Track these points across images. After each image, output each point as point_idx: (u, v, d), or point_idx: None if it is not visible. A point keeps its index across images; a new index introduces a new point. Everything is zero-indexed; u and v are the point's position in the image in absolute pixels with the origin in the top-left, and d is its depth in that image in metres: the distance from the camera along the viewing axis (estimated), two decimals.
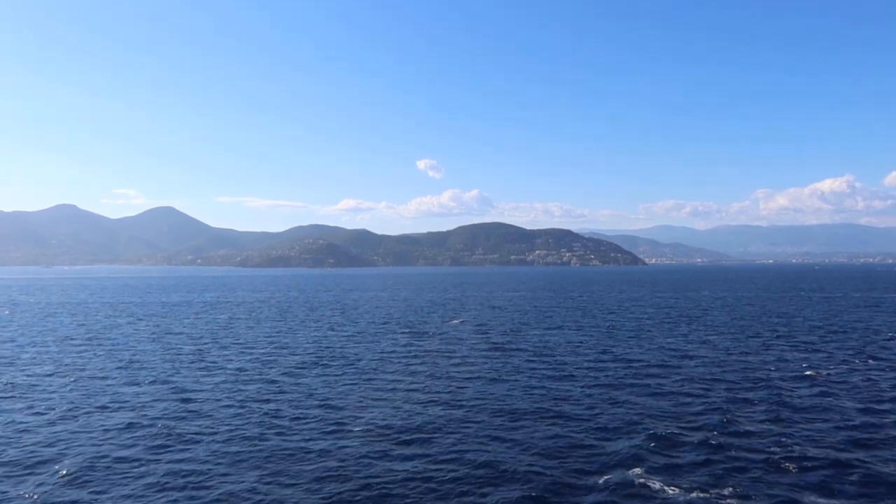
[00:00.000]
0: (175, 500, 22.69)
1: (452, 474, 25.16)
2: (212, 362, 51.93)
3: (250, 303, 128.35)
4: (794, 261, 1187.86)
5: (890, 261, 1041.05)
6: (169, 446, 28.67)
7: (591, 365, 49.57)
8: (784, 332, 70.89)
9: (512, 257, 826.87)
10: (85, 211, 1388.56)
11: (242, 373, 46.94)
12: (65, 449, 28.31)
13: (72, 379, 44.45)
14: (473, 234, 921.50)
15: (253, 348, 59.89)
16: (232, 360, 53.09)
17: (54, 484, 24.15)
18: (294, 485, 24.13)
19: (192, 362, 51.91)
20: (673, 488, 23.56)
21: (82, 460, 26.65)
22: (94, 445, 28.84)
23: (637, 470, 25.34)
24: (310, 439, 29.79)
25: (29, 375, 46.04)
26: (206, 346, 61.81)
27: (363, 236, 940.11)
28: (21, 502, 22.59)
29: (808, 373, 45.53)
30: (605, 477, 24.75)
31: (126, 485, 24.10)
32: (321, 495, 23.18)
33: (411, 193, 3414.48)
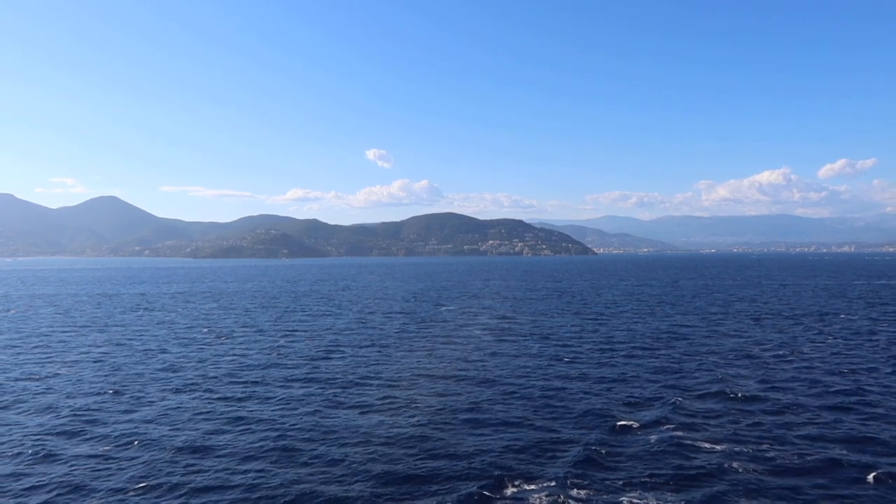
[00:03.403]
0: (266, 468, 25.61)
1: (512, 436, 28.76)
2: (234, 348, 54.27)
3: (235, 292, 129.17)
4: (734, 250, 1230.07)
5: (823, 250, 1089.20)
6: (242, 419, 31.36)
7: (592, 346, 53.78)
8: (753, 313, 76.77)
9: (465, 247, 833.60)
10: (23, 200, 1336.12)
11: (267, 356, 49.58)
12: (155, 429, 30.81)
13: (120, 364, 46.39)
14: (427, 224, 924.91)
15: (264, 333, 62.28)
16: (253, 344, 55.56)
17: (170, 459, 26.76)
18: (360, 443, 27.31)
19: (212, 346, 54.17)
20: (704, 443, 27.70)
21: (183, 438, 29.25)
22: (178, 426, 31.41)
23: (667, 427, 29.42)
24: (362, 414, 32.96)
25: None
26: (225, 332, 63.90)
27: (315, 226, 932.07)
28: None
29: (785, 350, 50.84)
30: (638, 437, 28.74)
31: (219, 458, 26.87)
32: (395, 457, 26.40)
33: (360, 183, 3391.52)
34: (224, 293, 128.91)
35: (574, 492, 22.15)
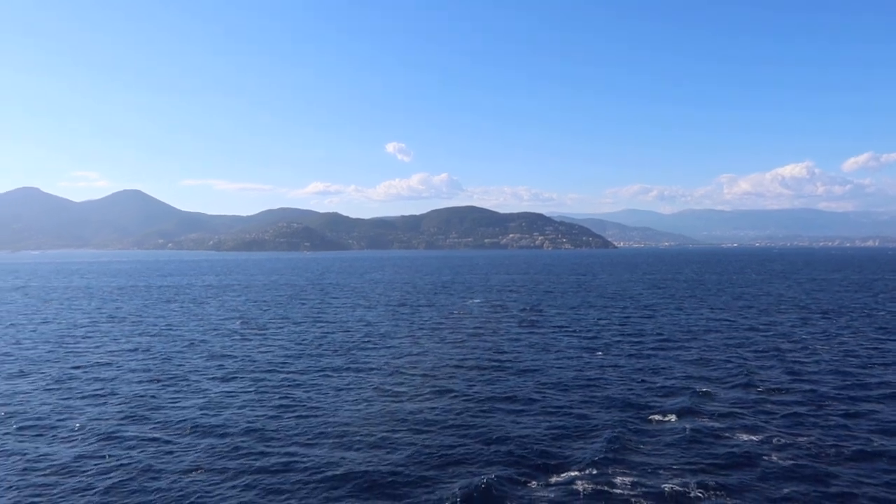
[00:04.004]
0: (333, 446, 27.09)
1: (551, 424, 30.03)
2: (282, 335, 56.07)
3: (263, 285, 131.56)
4: (756, 244, 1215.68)
5: (847, 244, 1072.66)
6: (291, 407, 32.91)
7: (621, 338, 54.83)
8: (780, 307, 77.13)
9: (486, 241, 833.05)
10: (48, 194, 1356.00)
11: (307, 346, 51.29)
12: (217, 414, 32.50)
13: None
14: (447, 217, 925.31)
15: (298, 324, 64.08)
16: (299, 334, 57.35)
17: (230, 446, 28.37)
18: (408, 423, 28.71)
19: (249, 338, 55.99)
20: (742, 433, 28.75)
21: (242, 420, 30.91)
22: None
23: (699, 416, 30.50)
24: (411, 398, 34.42)
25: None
26: (259, 323, 65.81)
27: (336, 220, 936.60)
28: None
29: (814, 343, 51.51)
30: (666, 424, 29.84)
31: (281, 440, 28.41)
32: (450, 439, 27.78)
33: (380, 177, 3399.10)
34: (252, 286, 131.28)
35: (615, 477, 23.22)
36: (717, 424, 29.35)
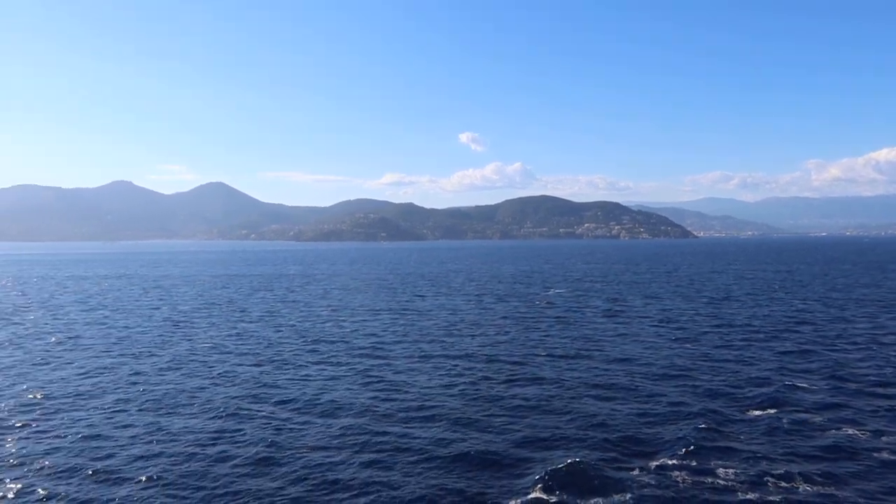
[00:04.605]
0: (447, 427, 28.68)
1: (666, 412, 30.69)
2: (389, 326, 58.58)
3: (345, 274, 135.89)
4: (847, 233, 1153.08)
5: None
6: (389, 389, 34.81)
7: (708, 329, 54.28)
8: (879, 299, 74.22)
9: (561, 230, 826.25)
10: (140, 187, 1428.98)
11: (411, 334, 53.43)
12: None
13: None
14: (521, 207, 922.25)
15: (386, 312, 66.47)
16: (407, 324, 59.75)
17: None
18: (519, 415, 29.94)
19: (342, 324, 58.62)
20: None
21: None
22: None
23: (796, 408, 30.45)
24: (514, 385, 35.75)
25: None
26: (350, 311, 68.70)
27: (411, 210, 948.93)
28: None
29: None
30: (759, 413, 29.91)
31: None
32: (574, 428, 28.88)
33: (454, 167, 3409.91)
34: (337, 275, 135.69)
35: (710, 464, 23.56)
36: (814, 416, 29.21)
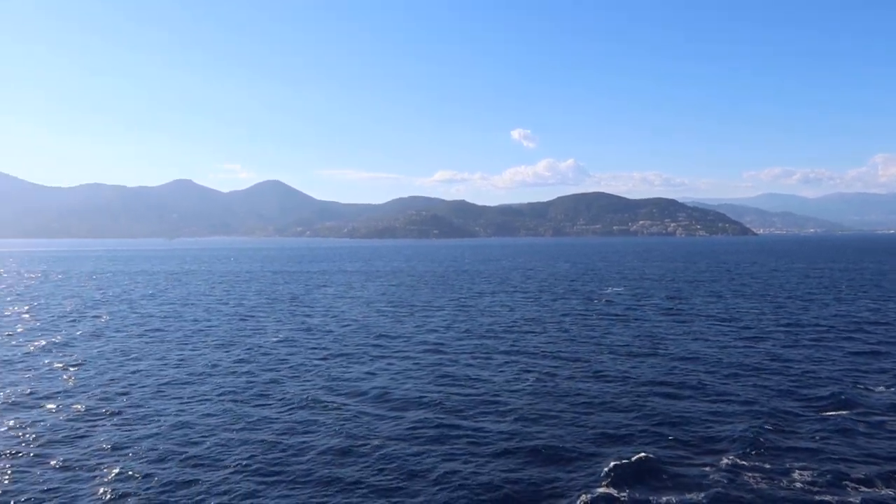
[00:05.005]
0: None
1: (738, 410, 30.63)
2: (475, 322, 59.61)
3: (402, 270, 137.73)
4: None
5: None
6: (457, 384, 35.57)
7: (775, 328, 53.17)
8: None
9: (614, 228, 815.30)
10: (200, 185, 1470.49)
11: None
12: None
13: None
14: (574, 204, 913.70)
15: (447, 309, 67.37)
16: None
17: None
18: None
19: (403, 321, 59.75)
20: None
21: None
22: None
23: (870, 410, 29.90)
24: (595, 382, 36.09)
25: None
26: (410, 306, 69.94)
27: (463, 207, 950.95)
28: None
29: None
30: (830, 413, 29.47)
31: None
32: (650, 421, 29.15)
33: (505, 164, 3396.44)
34: (395, 271, 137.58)
35: (784, 464, 23.45)
36: (892, 419, 28.70)
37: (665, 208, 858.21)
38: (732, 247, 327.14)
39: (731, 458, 23.97)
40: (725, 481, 21.83)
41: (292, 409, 30.66)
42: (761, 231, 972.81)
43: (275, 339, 49.96)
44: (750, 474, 22.51)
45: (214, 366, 40.32)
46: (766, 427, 27.21)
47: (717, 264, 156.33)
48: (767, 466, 23.17)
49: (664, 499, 20.76)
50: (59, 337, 52.12)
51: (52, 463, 23.86)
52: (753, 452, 24.38)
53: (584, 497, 20.75)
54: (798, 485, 21.77)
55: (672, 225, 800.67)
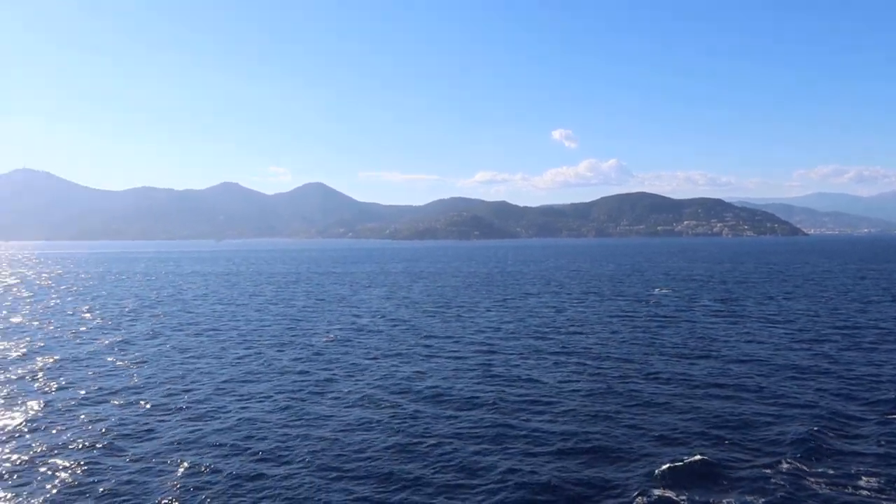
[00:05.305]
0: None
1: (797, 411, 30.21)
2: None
3: (447, 272, 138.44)
4: None
5: None
6: (513, 384, 35.80)
7: (831, 331, 51.89)
8: None
9: (658, 228, 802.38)
10: (245, 188, 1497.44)
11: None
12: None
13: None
14: (617, 204, 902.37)
15: (495, 310, 67.64)
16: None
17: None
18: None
19: (454, 320, 60.23)
20: None
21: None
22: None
23: None
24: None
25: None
26: (461, 307, 70.42)
27: (504, 208, 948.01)
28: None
29: None
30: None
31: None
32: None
33: (546, 164, 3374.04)
34: (441, 273, 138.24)
35: (856, 471, 23.05)
36: None
37: (711, 208, 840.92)
38: (782, 247, 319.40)
39: (791, 461, 23.63)
40: (788, 486, 21.54)
41: (349, 407, 31.33)
42: (812, 231, 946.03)
43: (326, 339, 50.89)
44: (813, 479, 22.15)
45: (270, 364, 41.36)
46: (827, 430, 26.80)
47: (766, 265, 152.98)
48: (831, 472, 22.78)
49: (724, 501, 20.67)
50: (120, 335, 54.03)
51: (124, 456, 24.92)
52: (815, 456, 24.04)
53: (641, 499, 20.80)
54: (864, 492, 21.29)
55: (718, 225, 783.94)
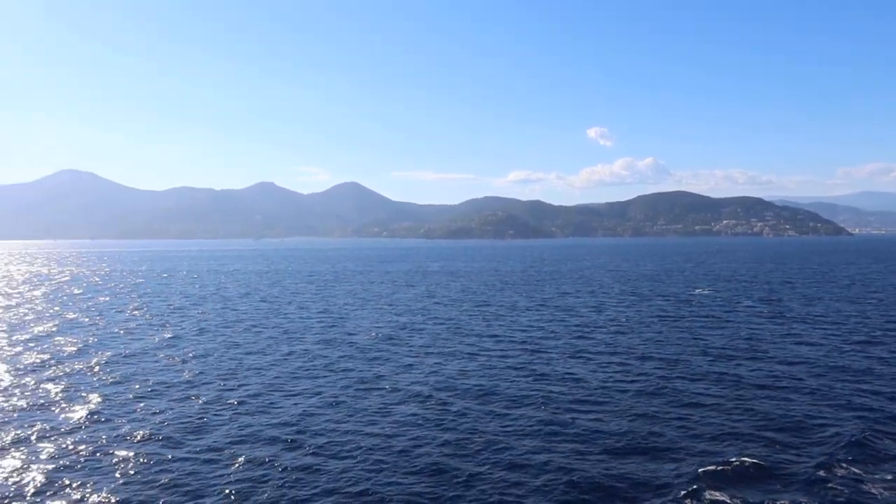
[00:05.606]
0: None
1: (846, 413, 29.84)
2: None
3: (485, 270, 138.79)
4: None
5: None
6: (558, 382, 35.96)
7: (880, 333, 50.71)
8: None
9: (696, 228, 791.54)
10: (281, 188, 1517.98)
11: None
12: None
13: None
14: (654, 203, 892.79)
15: (536, 309, 67.72)
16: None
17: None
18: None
19: (496, 320, 60.50)
20: None
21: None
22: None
23: None
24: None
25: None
26: (501, 306, 70.73)
27: (539, 207, 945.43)
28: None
29: None
30: None
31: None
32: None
33: (581, 163, 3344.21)
34: (478, 272, 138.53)
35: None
36: None
37: (751, 207, 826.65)
38: (826, 247, 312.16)
39: (845, 465, 23.29)
40: (844, 489, 21.28)
41: (397, 404, 31.82)
42: (857, 231, 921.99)
43: (370, 337, 51.59)
44: (870, 484, 21.80)
45: (318, 360, 42.17)
46: (882, 434, 26.41)
47: (810, 265, 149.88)
48: (889, 476, 22.44)
49: (778, 503, 20.59)
50: (169, 332, 55.47)
51: (183, 449, 25.71)
52: (871, 461, 23.69)
53: (690, 500, 20.79)
54: None
55: (759, 224, 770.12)
